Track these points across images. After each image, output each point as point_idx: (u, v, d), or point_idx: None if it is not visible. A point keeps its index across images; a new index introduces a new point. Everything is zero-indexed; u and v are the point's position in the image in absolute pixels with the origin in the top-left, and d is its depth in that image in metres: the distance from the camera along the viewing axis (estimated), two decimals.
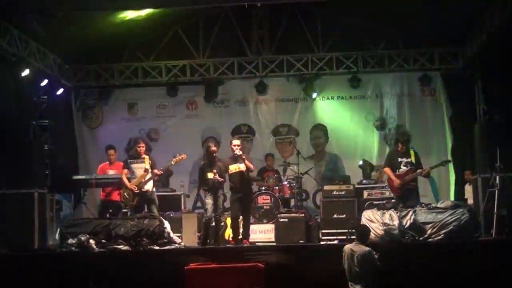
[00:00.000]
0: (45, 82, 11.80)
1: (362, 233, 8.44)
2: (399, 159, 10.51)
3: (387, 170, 10.62)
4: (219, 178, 10.15)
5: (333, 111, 13.73)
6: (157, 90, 13.78)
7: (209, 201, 10.19)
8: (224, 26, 12.86)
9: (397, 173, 10.45)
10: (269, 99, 13.83)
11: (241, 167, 10.25)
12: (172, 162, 10.70)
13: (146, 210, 10.64)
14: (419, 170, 10.46)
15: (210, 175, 10.16)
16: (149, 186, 10.62)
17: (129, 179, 10.56)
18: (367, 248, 8.15)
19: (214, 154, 10.44)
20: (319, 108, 13.76)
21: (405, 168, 10.46)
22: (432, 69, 12.84)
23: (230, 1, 11.22)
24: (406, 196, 10.38)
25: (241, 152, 10.28)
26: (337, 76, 13.20)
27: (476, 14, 10.72)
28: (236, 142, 10.47)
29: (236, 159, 10.28)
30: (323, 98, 13.69)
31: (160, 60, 13.06)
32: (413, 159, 10.49)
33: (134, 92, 13.85)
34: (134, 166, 10.64)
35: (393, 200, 10.67)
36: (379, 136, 13.53)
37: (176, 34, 13.05)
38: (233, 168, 10.28)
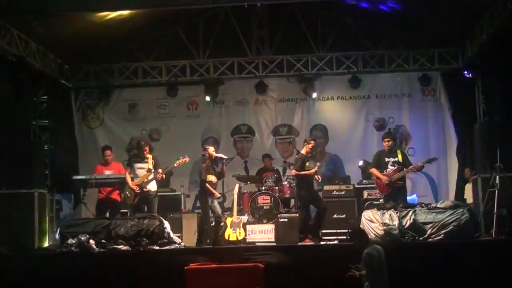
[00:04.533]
0: None
1: (355, 236, 8.14)
2: (386, 159, 10.52)
3: (373, 170, 10.61)
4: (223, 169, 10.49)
5: (333, 111, 13.73)
6: (157, 90, 13.77)
7: (205, 203, 10.37)
8: (224, 26, 12.83)
9: (385, 173, 10.45)
10: (269, 99, 13.83)
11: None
12: (175, 164, 10.76)
13: (146, 210, 10.67)
14: (410, 167, 10.46)
15: (209, 178, 10.38)
16: (151, 187, 10.65)
17: (131, 179, 10.64)
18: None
19: (213, 157, 10.57)
20: (319, 108, 13.77)
21: (392, 167, 10.46)
22: (432, 69, 12.82)
23: (230, 1, 11.21)
24: (394, 195, 10.37)
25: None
26: (337, 76, 13.19)
27: (476, 15, 10.71)
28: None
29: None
30: (323, 98, 13.71)
31: (160, 60, 13.04)
32: (400, 158, 10.49)
33: (134, 92, 13.83)
34: (137, 165, 10.71)
35: (381, 200, 10.66)
36: (378, 136, 13.52)
37: (176, 34, 13.03)
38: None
